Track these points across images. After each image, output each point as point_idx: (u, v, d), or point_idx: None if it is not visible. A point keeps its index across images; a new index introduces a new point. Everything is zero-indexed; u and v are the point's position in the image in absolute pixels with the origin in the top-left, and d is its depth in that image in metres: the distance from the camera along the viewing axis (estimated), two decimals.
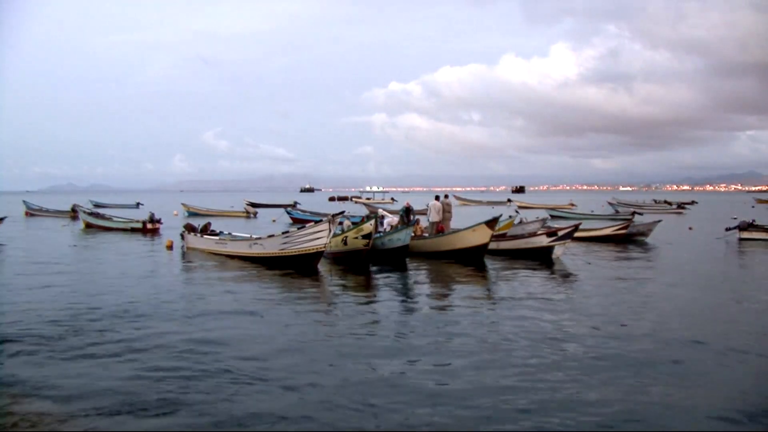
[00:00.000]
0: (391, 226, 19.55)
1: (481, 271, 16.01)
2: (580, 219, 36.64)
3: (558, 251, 17.68)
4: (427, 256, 18.05)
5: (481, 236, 17.24)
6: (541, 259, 17.44)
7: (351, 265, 16.25)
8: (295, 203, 50.96)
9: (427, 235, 19.67)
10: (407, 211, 19.46)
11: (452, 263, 16.96)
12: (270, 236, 17.12)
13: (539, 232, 18.78)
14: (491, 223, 17.31)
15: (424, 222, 21.08)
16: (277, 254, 16.27)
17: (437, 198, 20.24)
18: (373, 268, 15.87)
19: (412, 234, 17.77)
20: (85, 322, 9.63)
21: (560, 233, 17.66)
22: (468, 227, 17.95)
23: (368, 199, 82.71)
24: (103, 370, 7.17)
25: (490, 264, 16.93)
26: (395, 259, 16.97)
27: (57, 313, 10.21)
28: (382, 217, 20.85)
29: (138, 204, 69.14)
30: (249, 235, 19.55)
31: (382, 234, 18.07)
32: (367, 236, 16.20)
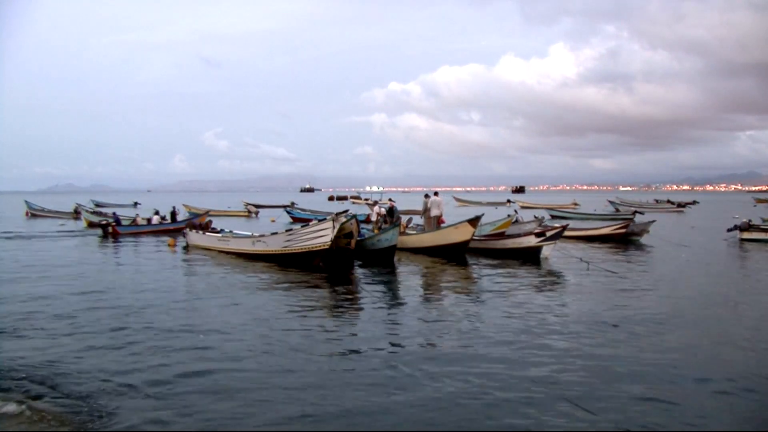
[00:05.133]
0: (378, 215, 21.24)
1: (465, 269, 16.20)
2: (582, 218, 36.75)
3: (546, 251, 17.85)
4: (411, 252, 18.76)
5: (463, 233, 17.96)
6: (530, 258, 17.55)
7: (336, 264, 15.99)
8: (293, 204, 50.90)
9: (413, 232, 20.78)
10: (391, 211, 20.05)
11: (437, 260, 17.28)
12: (273, 234, 17.15)
13: (528, 232, 18.91)
14: (473, 221, 17.99)
15: (420, 220, 21.72)
16: (281, 252, 16.29)
17: (436, 194, 21.46)
18: (364, 268, 15.79)
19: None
20: (88, 321, 9.68)
21: (548, 234, 17.89)
22: (451, 224, 18.79)
23: (366, 199, 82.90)
24: (108, 366, 7.21)
25: (479, 263, 16.97)
26: (384, 259, 17.04)
27: (62, 311, 10.28)
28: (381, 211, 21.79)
29: (135, 204, 69.33)
30: (250, 233, 19.60)
31: (372, 234, 18.36)
32: (349, 235, 16.20)
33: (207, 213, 33.16)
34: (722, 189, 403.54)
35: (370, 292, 12.28)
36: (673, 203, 62.86)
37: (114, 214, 28.75)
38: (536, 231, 18.37)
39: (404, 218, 23.72)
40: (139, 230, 27.21)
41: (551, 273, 15.45)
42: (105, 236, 25.28)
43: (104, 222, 26.84)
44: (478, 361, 7.33)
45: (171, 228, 27.46)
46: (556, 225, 19.18)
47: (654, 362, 7.35)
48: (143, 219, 28.93)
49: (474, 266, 16.44)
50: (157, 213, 30.00)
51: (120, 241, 23.61)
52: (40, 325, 9.17)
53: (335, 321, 9.78)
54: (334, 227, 15.33)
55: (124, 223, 27.57)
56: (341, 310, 10.73)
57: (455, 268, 16.27)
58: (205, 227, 21.15)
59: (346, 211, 16.95)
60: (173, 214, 29.92)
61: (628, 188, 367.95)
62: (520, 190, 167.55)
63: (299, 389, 6.39)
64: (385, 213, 20.71)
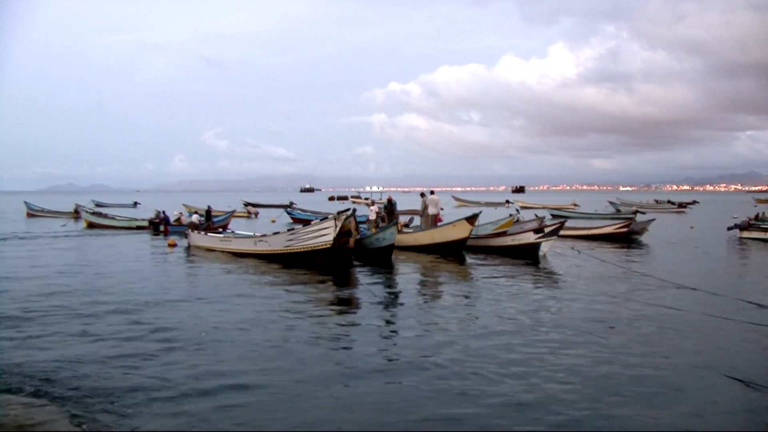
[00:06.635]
0: (376, 214, 21.78)
1: (463, 267, 16.31)
2: (584, 218, 36.72)
3: (545, 248, 17.87)
4: (410, 250, 18.93)
5: (460, 231, 18.18)
6: (529, 256, 17.57)
7: (335, 263, 15.95)
8: (292, 203, 50.91)
9: (410, 230, 21.14)
10: (390, 203, 20.89)
11: (435, 258, 17.44)
12: (275, 233, 17.16)
13: (527, 230, 18.92)
14: (471, 219, 18.17)
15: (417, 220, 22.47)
16: (282, 251, 16.30)
17: (432, 192, 21.74)
18: (362, 267, 15.78)
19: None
20: (94, 321, 9.71)
21: (546, 230, 17.91)
22: (448, 222, 19.06)
23: (366, 198, 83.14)
24: (111, 369, 7.23)
25: (477, 261, 17.05)
26: (382, 258, 17.05)
27: (65, 310, 10.33)
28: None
29: (135, 204, 69.24)
30: (252, 233, 19.62)
31: (370, 233, 18.46)
32: (348, 233, 16.17)
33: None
34: (722, 189, 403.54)
35: (369, 291, 12.30)
36: (673, 203, 62.85)
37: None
38: (534, 228, 18.39)
39: (406, 218, 23.84)
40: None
41: (549, 270, 15.49)
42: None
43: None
44: (476, 361, 7.33)
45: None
46: (554, 222, 19.25)
47: (652, 362, 7.37)
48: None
49: (472, 264, 16.52)
50: (158, 213, 30.00)
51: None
52: (42, 325, 9.19)
53: (336, 320, 9.79)
54: (336, 226, 15.33)
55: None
56: (342, 309, 10.76)
57: (453, 265, 16.36)
58: (207, 228, 21.14)
59: (347, 209, 16.88)
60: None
61: (628, 188, 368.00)
62: (520, 190, 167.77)
63: (301, 389, 6.40)
64: (383, 212, 20.85)
